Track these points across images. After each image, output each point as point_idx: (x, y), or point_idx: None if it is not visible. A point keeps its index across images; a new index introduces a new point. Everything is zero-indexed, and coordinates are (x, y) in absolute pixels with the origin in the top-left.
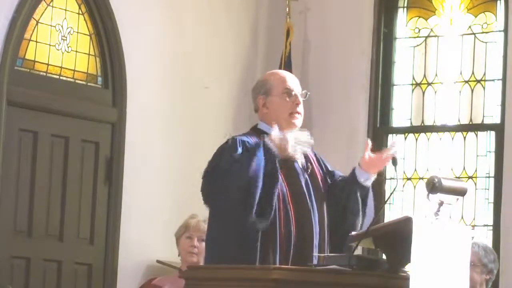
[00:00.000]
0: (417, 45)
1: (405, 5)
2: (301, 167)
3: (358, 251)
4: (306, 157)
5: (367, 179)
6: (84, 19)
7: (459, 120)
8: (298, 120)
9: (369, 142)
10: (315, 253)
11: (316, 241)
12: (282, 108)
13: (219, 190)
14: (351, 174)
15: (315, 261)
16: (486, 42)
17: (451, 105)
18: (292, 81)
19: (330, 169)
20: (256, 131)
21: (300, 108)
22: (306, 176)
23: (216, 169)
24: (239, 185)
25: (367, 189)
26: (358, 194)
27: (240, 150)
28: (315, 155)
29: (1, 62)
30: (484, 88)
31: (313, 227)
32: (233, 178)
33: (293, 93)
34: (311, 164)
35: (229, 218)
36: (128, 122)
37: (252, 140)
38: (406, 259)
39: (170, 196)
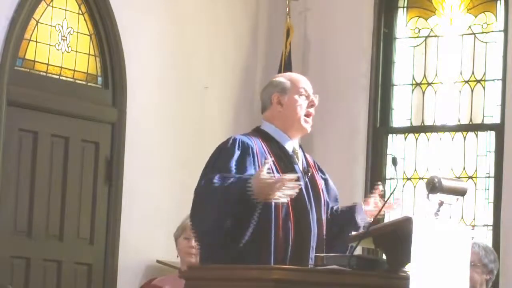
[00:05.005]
0: (417, 45)
1: (405, 5)
2: (301, 170)
3: (358, 251)
4: (306, 161)
5: (363, 220)
6: (84, 19)
7: (459, 120)
8: (309, 124)
9: (380, 187)
10: (312, 254)
11: (313, 243)
12: (299, 107)
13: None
14: (349, 210)
15: (311, 262)
16: (486, 42)
17: (451, 105)
18: (308, 83)
19: (327, 178)
20: (260, 133)
21: (313, 110)
22: (306, 179)
23: (206, 180)
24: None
25: (359, 227)
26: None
27: (237, 153)
28: (313, 161)
29: (1, 62)
30: (484, 88)
31: (311, 228)
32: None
33: (309, 94)
34: (311, 168)
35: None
36: (128, 122)
37: (253, 142)
38: (406, 259)
39: (170, 196)
